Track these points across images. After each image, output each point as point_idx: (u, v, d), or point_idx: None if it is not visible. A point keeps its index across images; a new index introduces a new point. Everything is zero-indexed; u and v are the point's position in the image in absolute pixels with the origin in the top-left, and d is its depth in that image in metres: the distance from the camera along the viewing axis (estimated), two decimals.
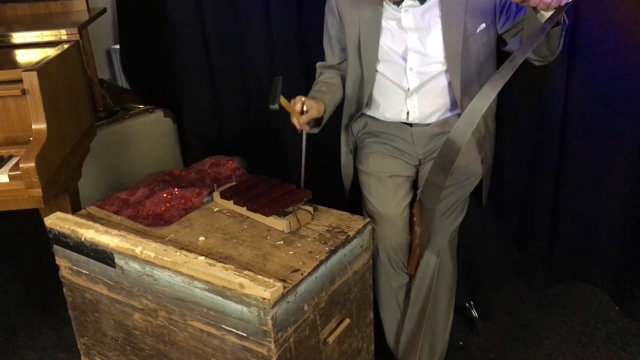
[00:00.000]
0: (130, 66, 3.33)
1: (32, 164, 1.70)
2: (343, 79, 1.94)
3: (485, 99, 1.46)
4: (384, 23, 1.74)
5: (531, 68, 1.71)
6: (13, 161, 1.80)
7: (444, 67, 1.74)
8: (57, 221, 1.65)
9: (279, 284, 1.34)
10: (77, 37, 2.20)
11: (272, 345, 1.36)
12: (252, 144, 2.75)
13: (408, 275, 1.81)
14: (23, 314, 2.39)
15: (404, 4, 1.70)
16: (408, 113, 1.82)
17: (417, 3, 1.69)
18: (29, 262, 2.69)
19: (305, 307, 1.44)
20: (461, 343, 2.08)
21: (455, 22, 1.68)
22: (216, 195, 1.78)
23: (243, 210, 1.70)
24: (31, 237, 2.79)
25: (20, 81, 1.78)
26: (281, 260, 1.48)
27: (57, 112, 1.89)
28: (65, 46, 2.07)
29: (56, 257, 1.70)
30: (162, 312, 1.54)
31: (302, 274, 1.42)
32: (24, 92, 1.78)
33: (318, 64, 1.99)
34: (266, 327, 1.34)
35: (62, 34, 2.20)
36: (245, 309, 1.36)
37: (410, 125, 1.85)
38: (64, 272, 1.71)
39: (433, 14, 1.70)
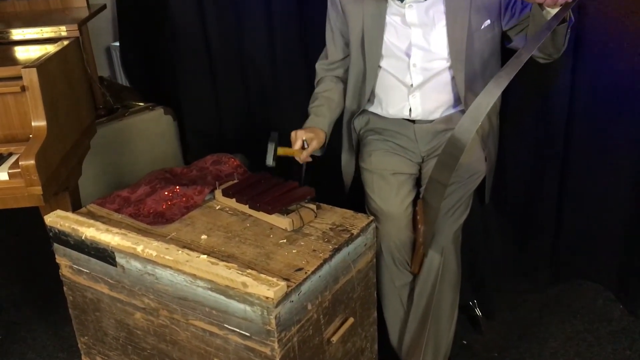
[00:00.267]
0: (130, 64, 3.31)
1: (32, 162, 1.68)
2: (344, 82, 1.91)
3: (490, 96, 1.44)
4: (387, 19, 1.72)
5: (536, 65, 1.69)
6: (13, 159, 1.78)
7: (448, 64, 1.72)
8: (58, 219, 1.63)
9: (283, 283, 1.32)
10: (77, 33, 2.18)
11: (276, 345, 1.34)
12: (252, 141, 2.73)
13: (411, 273, 1.79)
14: (23, 313, 2.38)
15: None
16: (410, 109, 1.80)
17: None
18: (29, 260, 2.68)
19: (309, 307, 1.42)
20: (465, 342, 2.07)
21: (459, 18, 1.66)
22: (218, 193, 1.76)
23: (245, 208, 1.68)
24: (31, 235, 2.77)
25: (19, 78, 1.77)
26: (284, 259, 1.47)
27: (57, 109, 1.87)
28: (65, 43, 2.05)
29: (56, 256, 1.69)
30: (163, 312, 1.52)
31: (305, 272, 1.41)
32: (23, 88, 1.76)
33: (317, 65, 1.96)
34: (269, 326, 1.32)
35: (62, 30, 2.18)
36: (248, 308, 1.34)
37: (413, 122, 1.83)
38: (65, 271, 1.70)
39: (437, 10, 1.68)
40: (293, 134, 1.76)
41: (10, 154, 1.82)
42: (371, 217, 1.63)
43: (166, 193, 1.75)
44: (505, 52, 1.78)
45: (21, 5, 2.51)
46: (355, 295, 1.60)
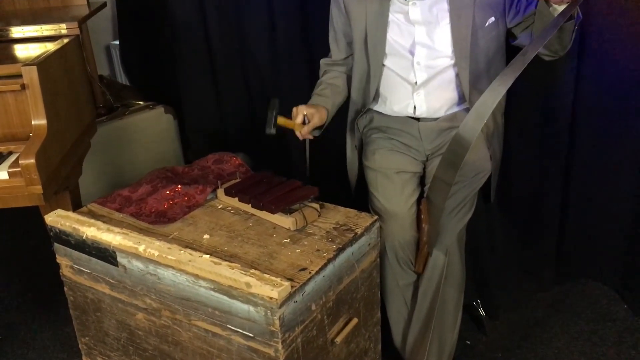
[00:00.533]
0: (130, 62, 3.31)
1: (32, 161, 1.66)
2: (347, 78, 1.90)
3: (495, 94, 1.43)
4: (391, 16, 1.70)
5: (540, 63, 1.68)
6: (12, 158, 1.76)
7: (452, 61, 1.71)
8: (58, 219, 1.62)
9: (287, 283, 1.30)
10: (77, 31, 2.17)
11: (280, 346, 1.32)
12: (254, 140, 2.72)
13: (415, 273, 1.78)
14: (23, 313, 2.36)
15: None
16: (415, 107, 1.78)
17: None
18: (29, 260, 2.66)
19: (313, 307, 1.41)
20: (468, 342, 2.06)
21: (463, 15, 1.65)
22: (220, 192, 1.74)
23: (248, 208, 1.67)
24: (31, 235, 2.76)
25: (19, 76, 1.75)
26: (288, 259, 1.45)
27: (57, 108, 1.85)
28: (65, 41, 2.04)
29: (57, 256, 1.67)
30: (165, 312, 1.50)
31: (309, 272, 1.39)
32: (23, 87, 1.75)
33: (322, 61, 1.95)
34: (273, 327, 1.31)
35: (62, 28, 2.17)
36: (251, 308, 1.32)
37: (418, 120, 1.81)
38: (65, 271, 1.68)
39: (441, 7, 1.66)
40: (294, 109, 1.75)
41: (10, 153, 1.80)
42: (375, 217, 1.62)
43: (168, 192, 1.74)
44: (510, 50, 1.77)
45: (21, 3, 2.50)
46: (359, 296, 1.59)
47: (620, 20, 1.85)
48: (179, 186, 1.76)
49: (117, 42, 3.35)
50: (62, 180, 1.86)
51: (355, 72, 1.84)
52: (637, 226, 2.07)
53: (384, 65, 1.77)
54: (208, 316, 1.42)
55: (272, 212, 1.60)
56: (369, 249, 1.59)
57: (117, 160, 2.61)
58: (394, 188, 1.76)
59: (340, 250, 1.48)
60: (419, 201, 1.76)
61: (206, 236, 1.57)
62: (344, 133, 1.96)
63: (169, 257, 1.43)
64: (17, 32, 2.19)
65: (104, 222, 1.60)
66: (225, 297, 1.36)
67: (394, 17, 1.71)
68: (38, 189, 1.69)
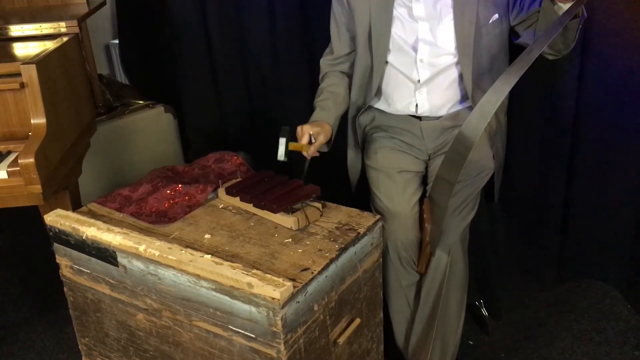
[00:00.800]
0: (129, 61, 3.29)
1: (32, 160, 1.65)
2: (349, 77, 1.88)
3: (499, 93, 1.42)
4: (395, 12, 1.69)
5: (543, 62, 1.66)
6: (12, 157, 1.75)
7: (455, 59, 1.69)
8: (58, 219, 1.60)
9: (289, 284, 1.29)
10: (76, 29, 2.15)
11: (282, 347, 1.31)
12: (254, 139, 2.71)
13: (418, 273, 1.76)
14: (23, 313, 2.35)
15: None
16: (417, 106, 1.77)
17: None
18: (29, 260, 2.65)
19: (315, 307, 1.39)
20: (471, 342, 2.04)
21: (467, 12, 1.63)
22: (221, 191, 1.73)
23: (249, 207, 1.65)
24: (31, 235, 2.75)
25: (18, 74, 1.74)
26: (290, 259, 1.44)
27: (57, 107, 1.84)
28: (65, 39, 2.03)
29: (56, 256, 1.66)
30: (166, 312, 1.49)
31: (312, 272, 1.38)
32: (22, 85, 1.74)
33: (322, 62, 1.92)
34: (275, 327, 1.30)
35: (61, 26, 2.16)
36: (253, 309, 1.31)
37: (420, 118, 1.80)
38: (65, 271, 1.67)
39: (445, 4, 1.65)
40: (299, 128, 1.73)
41: (9, 152, 1.79)
42: (377, 216, 1.60)
43: (168, 192, 1.72)
44: (513, 48, 1.75)
45: (20, 1, 2.48)
46: (361, 296, 1.58)
47: (623, 19, 1.83)
48: (180, 185, 1.74)
49: (116, 41, 3.34)
50: (61, 180, 1.85)
51: (357, 68, 1.82)
52: None
53: (387, 62, 1.75)
54: (209, 317, 1.40)
55: (274, 211, 1.59)
56: (371, 248, 1.58)
57: (116, 160, 2.59)
58: (396, 187, 1.74)
59: (343, 250, 1.47)
60: (421, 201, 1.75)
61: (207, 236, 1.55)
62: (345, 132, 1.95)
63: (170, 257, 1.41)
64: (16, 30, 2.18)
65: (104, 221, 1.59)
66: (226, 298, 1.34)
67: (398, 12, 1.69)
68: (37, 188, 1.68)
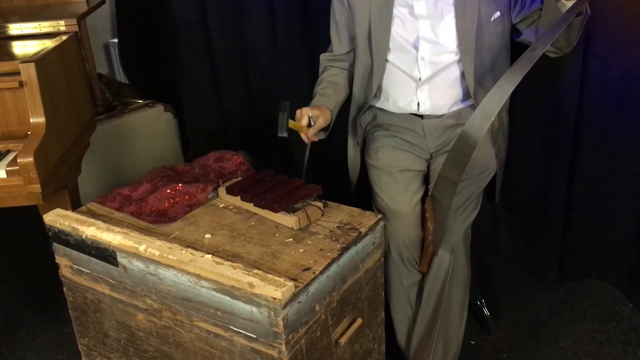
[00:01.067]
0: (129, 60, 3.28)
1: (31, 159, 1.64)
2: (349, 74, 1.87)
3: (503, 91, 1.41)
4: (395, 11, 1.68)
5: (545, 61, 1.65)
6: (10, 156, 1.74)
7: (457, 57, 1.68)
8: (57, 218, 1.59)
9: (290, 284, 1.28)
10: (75, 28, 2.14)
11: (283, 347, 1.30)
12: (255, 138, 2.69)
13: (420, 273, 1.75)
14: (22, 313, 2.34)
15: None
16: (419, 104, 1.76)
17: None
18: (28, 260, 2.64)
19: (317, 307, 1.38)
20: (473, 342, 2.03)
21: (469, 9, 1.62)
22: (222, 190, 1.72)
23: (250, 207, 1.64)
24: (30, 235, 2.74)
25: (17, 73, 1.73)
26: (291, 258, 1.43)
27: (56, 105, 1.83)
28: (64, 37, 2.01)
29: (56, 256, 1.65)
30: (166, 313, 1.48)
31: (313, 272, 1.37)
32: (21, 84, 1.72)
33: (322, 57, 1.92)
34: (277, 328, 1.28)
35: (61, 25, 2.14)
36: (254, 309, 1.30)
37: (421, 117, 1.79)
38: (64, 271, 1.66)
39: (446, 2, 1.64)
40: (299, 111, 1.72)
41: (8, 152, 1.78)
42: (379, 215, 1.59)
43: (168, 191, 1.71)
44: (514, 46, 1.74)
45: None
46: (363, 296, 1.57)
47: (626, 16, 1.82)
48: (180, 185, 1.73)
49: (116, 40, 3.32)
50: (60, 179, 1.84)
51: (357, 67, 1.81)
52: None
53: (387, 60, 1.74)
54: (210, 317, 1.39)
55: (275, 210, 1.57)
56: (373, 248, 1.57)
57: (116, 159, 2.58)
58: (397, 186, 1.73)
59: (345, 249, 1.46)
60: (423, 200, 1.74)
61: (208, 235, 1.54)
62: (345, 130, 1.94)
63: (170, 257, 1.40)
64: (15, 29, 2.17)
65: (103, 221, 1.58)
66: (227, 298, 1.33)
67: (398, 11, 1.68)
68: (36, 187, 1.67)
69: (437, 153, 1.78)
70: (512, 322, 2.11)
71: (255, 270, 1.32)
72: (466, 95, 1.75)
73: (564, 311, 2.14)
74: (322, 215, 1.59)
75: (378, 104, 1.85)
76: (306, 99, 1.91)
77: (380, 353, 1.72)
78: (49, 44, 1.95)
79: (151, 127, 2.70)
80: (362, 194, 1.92)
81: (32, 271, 2.55)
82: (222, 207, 1.68)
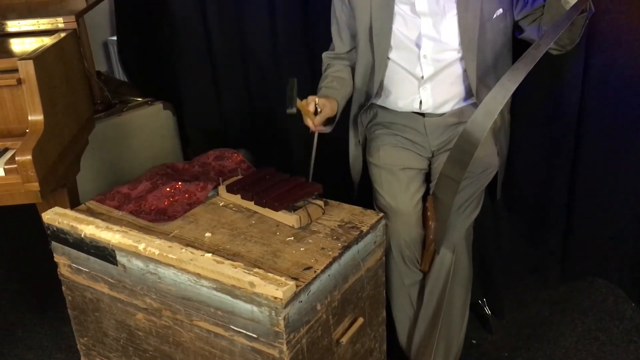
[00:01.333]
0: (128, 58, 3.26)
1: (29, 157, 1.62)
2: (352, 70, 1.86)
3: (505, 89, 1.40)
4: (396, 8, 1.67)
5: (547, 58, 1.64)
6: (9, 154, 1.73)
7: (459, 55, 1.67)
8: (56, 217, 1.58)
9: (292, 283, 1.27)
10: (74, 25, 2.12)
11: (284, 347, 1.29)
12: (255, 136, 2.68)
13: (421, 272, 1.74)
14: (20, 313, 2.32)
15: None
16: (421, 102, 1.75)
17: None
18: (26, 259, 2.62)
19: (318, 307, 1.37)
20: (474, 341, 2.02)
21: (471, 6, 1.61)
22: (222, 189, 1.70)
23: (250, 205, 1.63)
24: (28, 233, 2.72)
25: (15, 70, 1.71)
26: (292, 257, 1.41)
27: (55, 103, 1.81)
28: (62, 35, 2.00)
29: (54, 255, 1.63)
30: (166, 312, 1.47)
31: (314, 271, 1.35)
32: (19, 81, 1.71)
33: (324, 55, 1.91)
34: (278, 327, 1.27)
35: (59, 22, 2.12)
36: (255, 308, 1.29)
37: (423, 115, 1.77)
38: (63, 270, 1.64)
39: None
40: (304, 101, 1.67)
41: (6, 149, 1.76)
42: (381, 214, 1.58)
43: (168, 189, 1.70)
44: (517, 43, 1.73)
45: None
46: (364, 295, 1.55)
47: (629, 14, 1.81)
48: (180, 183, 1.72)
49: (114, 38, 3.31)
50: (59, 177, 1.82)
51: (359, 65, 1.80)
52: None
53: (389, 58, 1.73)
54: (210, 316, 1.38)
55: (276, 209, 1.56)
56: (374, 247, 1.55)
57: (115, 157, 2.57)
58: (399, 185, 1.72)
59: (346, 248, 1.44)
60: (424, 198, 1.72)
61: (208, 234, 1.53)
62: (346, 128, 1.92)
63: (170, 255, 1.39)
64: (13, 26, 2.15)
65: (102, 220, 1.56)
66: (228, 297, 1.32)
67: (400, 8, 1.67)
68: (35, 186, 1.65)
69: (439, 151, 1.77)
70: (513, 321, 2.10)
71: (256, 269, 1.31)
72: (468, 93, 1.73)
73: (565, 310, 2.13)
74: (323, 213, 1.58)
75: (379, 102, 1.84)
76: (306, 96, 1.90)
77: (381, 352, 1.71)
78: (47, 41, 1.93)
79: (150, 125, 2.69)
80: (363, 192, 1.91)
81: (31, 270, 2.53)
82: (222, 206, 1.67)
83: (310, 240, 1.48)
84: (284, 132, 2.53)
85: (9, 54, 1.97)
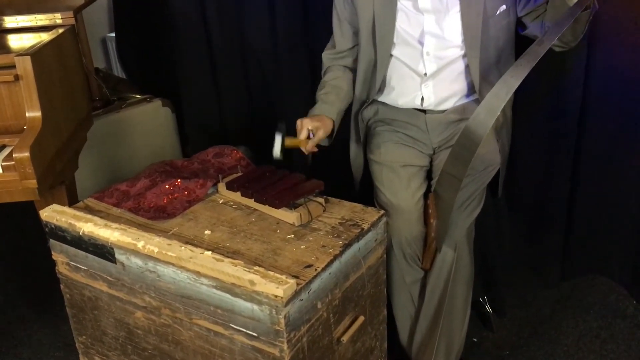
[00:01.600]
0: (126, 55, 3.24)
1: (27, 154, 1.61)
2: (353, 73, 1.84)
3: (508, 86, 1.38)
4: (399, 4, 1.65)
5: (549, 54, 1.62)
6: (6, 151, 1.71)
7: (462, 52, 1.66)
8: (54, 214, 1.56)
9: (292, 281, 1.26)
10: (72, 21, 2.11)
11: (285, 346, 1.27)
12: (255, 133, 2.67)
13: (422, 269, 1.73)
14: (18, 311, 2.31)
15: None
16: (422, 99, 1.73)
17: None
18: (25, 257, 2.61)
19: (319, 305, 1.36)
20: (475, 339, 2.01)
21: (474, 3, 1.59)
22: (221, 186, 1.69)
23: (250, 202, 1.61)
24: (26, 231, 2.71)
25: (13, 67, 1.69)
26: (293, 255, 1.40)
27: (52, 100, 1.80)
28: (60, 31, 1.98)
29: (53, 252, 1.62)
30: (165, 310, 1.45)
31: (315, 269, 1.34)
32: (17, 78, 1.69)
33: (324, 55, 1.88)
34: (278, 326, 1.26)
35: (57, 17, 2.11)
36: (255, 307, 1.27)
37: (424, 112, 1.76)
38: (61, 268, 1.63)
39: None
40: (299, 122, 1.69)
41: (3, 146, 1.75)
42: (382, 211, 1.57)
43: (167, 186, 1.69)
44: (519, 40, 1.71)
45: None
46: (365, 293, 1.54)
47: (631, 10, 1.80)
48: (179, 180, 1.70)
49: (113, 35, 3.29)
50: (57, 175, 1.81)
51: (361, 62, 1.78)
52: None
53: (391, 55, 1.71)
54: (210, 315, 1.37)
55: (276, 206, 1.55)
56: (375, 244, 1.54)
57: (114, 154, 2.55)
58: (400, 182, 1.71)
59: (347, 246, 1.43)
60: (426, 196, 1.71)
61: (207, 232, 1.52)
62: (347, 125, 1.91)
63: (169, 253, 1.37)
64: (10, 22, 2.13)
65: (101, 217, 1.55)
66: (227, 295, 1.31)
67: (402, 5, 1.65)
68: (33, 183, 1.64)
69: (440, 148, 1.75)
70: (514, 319, 2.09)
71: (256, 267, 1.30)
72: (471, 90, 1.72)
73: (567, 308, 2.12)
74: (324, 211, 1.56)
75: (381, 99, 1.82)
76: (306, 94, 1.89)
77: (382, 351, 1.70)
78: (45, 37, 1.92)
79: (149, 122, 2.68)
80: (364, 190, 1.90)
81: (29, 268, 2.52)
82: (221, 203, 1.65)
83: (311, 238, 1.46)
84: (288, 126, 2.51)
85: (6, 50, 1.96)
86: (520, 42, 1.72)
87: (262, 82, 2.57)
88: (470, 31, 1.61)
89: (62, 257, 1.61)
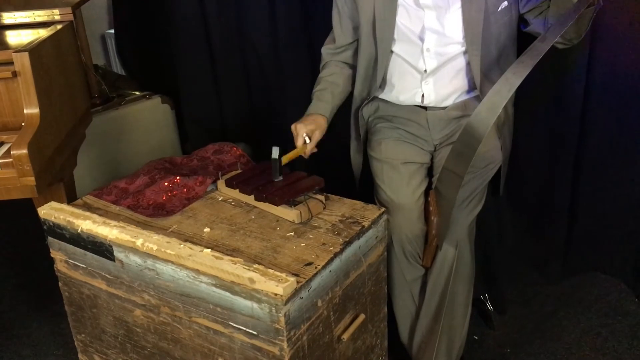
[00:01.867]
0: (125, 51, 3.24)
1: (25, 151, 1.60)
2: (351, 69, 1.82)
3: (510, 83, 1.37)
4: (399, 0, 1.63)
5: (551, 51, 1.61)
6: (4, 148, 1.70)
7: (463, 48, 1.64)
8: (52, 212, 1.55)
9: (292, 279, 1.25)
10: (70, 17, 2.09)
11: (285, 344, 1.27)
12: (254, 130, 2.66)
13: (423, 267, 1.72)
14: (17, 309, 2.30)
15: None
16: (423, 96, 1.72)
17: None
18: (23, 255, 2.60)
19: (319, 303, 1.35)
20: (476, 337, 2.00)
21: None
22: (221, 183, 1.68)
23: (250, 200, 1.60)
24: (24, 228, 2.70)
25: (10, 63, 1.68)
26: (293, 253, 1.39)
27: (51, 96, 1.78)
28: (59, 27, 1.96)
29: (51, 250, 1.61)
30: (165, 309, 1.44)
31: (315, 267, 1.33)
32: (15, 74, 1.68)
33: (323, 50, 1.87)
34: (278, 324, 1.25)
35: (55, 14, 2.09)
36: (255, 305, 1.27)
37: (425, 108, 1.75)
38: (60, 266, 1.62)
39: None
40: (293, 128, 1.69)
41: (1, 143, 1.73)
42: (382, 209, 1.56)
43: (166, 184, 1.67)
44: (521, 37, 1.70)
45: None
46: (365, 291, 1.53)
47: (634, 7, 1.78)
48: (178, 177, 1.69)
49: (112, 31, 3.28)
50: (56, 172, 1.80)
51: (361, 58, 1.77)
52: None
53: (392, 51, 1.70)
54: (209, 313, 1.36)
55: (276, 204, 1.54)
56: (376, 242, 1.53)
57: (113, 151, 2.55)
58: (400, 179, 1.70)
59: (347, 243, 1.42)
60: (426, 193, 1.70)
61: (207, 229, 1.51)
62: (348, 122, 1.90)
63: (168, 251, 1.36)
64: (8, 18, 2.12)
65: (99, 214, 1.54)
66: (227, 294, 1.30)
67: (403, 0, 1.63)
68: (31, 180, 1.63)
69: (441, 145, 1.74)
70: (515, 317, 2.08)
71: (256, 265, 1.29)
72: (472, 87, 1.71)
73: (568, 305, 2.11)
74: (324, 208, 1.55)
75: (381, 95, 1.81)
76: (306, 90, 1.87)
77: (382, 349, 1.69)
78: (43, 33, 1.90)
79: (148, 119, 2.67)
80: (364, 187, 1.89)
81: (28, 266, 2.51)
82: (221, 201, 1.64)
83: (311, 236, 1.45)
84: (284, 126, 2.50)
85: (4, 46, 1.94)
86: (523, 39, 1.70)
87: (261, 78, 2.56)
88: (471, 28, 1.60)
89: (60, 254, 1.60)
